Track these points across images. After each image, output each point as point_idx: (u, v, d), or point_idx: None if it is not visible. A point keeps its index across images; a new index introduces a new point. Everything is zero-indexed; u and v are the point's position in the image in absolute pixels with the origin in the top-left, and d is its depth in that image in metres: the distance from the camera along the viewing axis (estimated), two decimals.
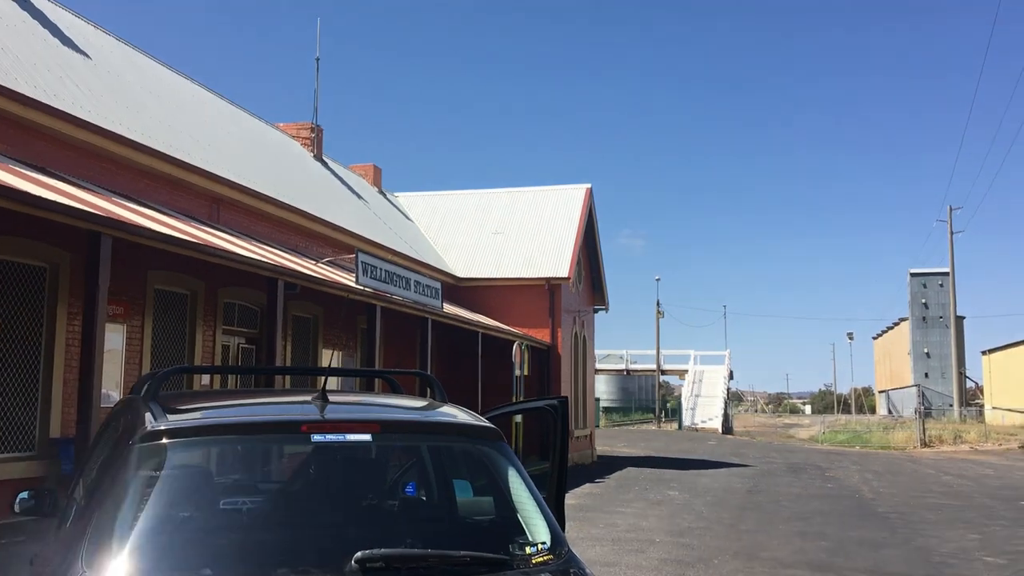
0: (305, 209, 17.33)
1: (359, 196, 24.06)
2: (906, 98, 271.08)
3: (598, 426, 43.24)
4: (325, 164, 23.75)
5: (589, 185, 29.15)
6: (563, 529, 4.39)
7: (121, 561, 2.69)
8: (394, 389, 4.69)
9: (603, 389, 71.94)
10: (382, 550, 2.84)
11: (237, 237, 13.79)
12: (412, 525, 3.35)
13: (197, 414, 3.49)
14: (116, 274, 12.39)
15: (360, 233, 19.72)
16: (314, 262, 15.59)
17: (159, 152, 13.51)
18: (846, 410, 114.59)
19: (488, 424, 3.61)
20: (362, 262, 14.36)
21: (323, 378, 3.63)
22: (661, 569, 10.10)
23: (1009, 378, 67.27)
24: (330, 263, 16.01)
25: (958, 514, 15.96)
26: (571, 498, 17.33)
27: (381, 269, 15.09)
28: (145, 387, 3.66)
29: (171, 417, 3.19)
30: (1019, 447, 40.14)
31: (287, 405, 3.90)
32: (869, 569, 10.42)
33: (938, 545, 12.32)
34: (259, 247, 13.55)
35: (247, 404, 4.05)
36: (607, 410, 70.65)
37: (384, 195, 28.06)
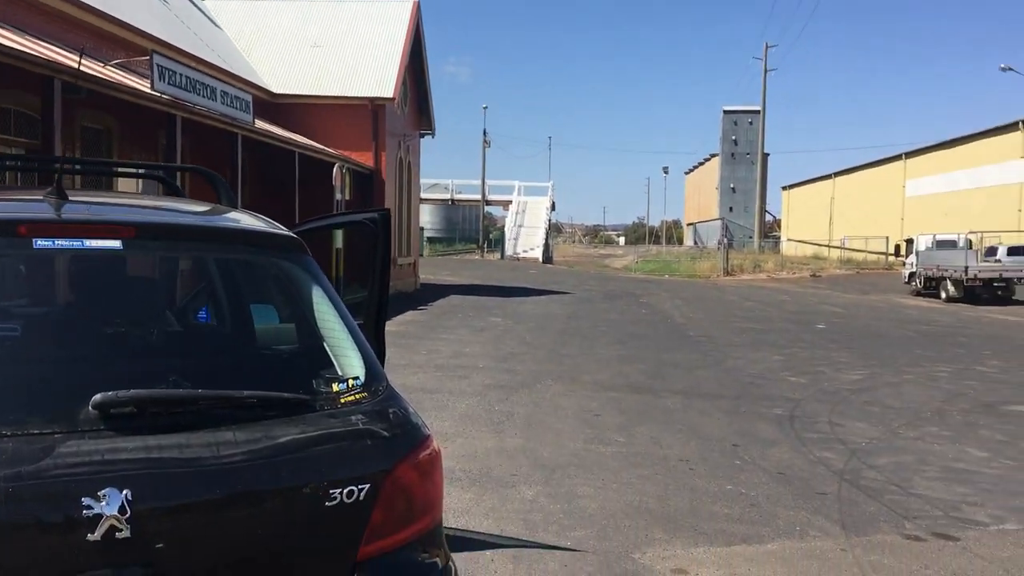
0: (88, 2, 15.07)
1: None
2: None
3: (422, 255, 42.99)
4: None
5: None
6: (383, 360, 3.80)
7: None
8: (174, 194, 3.79)
9: (428, 220, 71.67)
10: (130, 391, 2.12)
11: (3, 28, 11.75)
12: (184, 359, 2.57)
13: None
14: None
15: (159, 36, 17.54)
16: (103, 65, 13.69)
17: None
18: (657, 242, 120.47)
19: (285, 232, 2.86)
20: (158, 64, 12.69)
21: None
22: (485, 395, 9.93)
23: (804, 212, 72.29)
24: (121, 66, 14.12)
25: (762, 337, 16.86)
26: (392, 325, 16.98)
27: (181, 75, 13.45)
28: None
29: None
30: (810, 275, 43.45)
31: (8, 203, 2.95)
32: (685, 391, 10.70)
33: (746, 366, 12.89)
34: (30, 40, 11.62)
35: None
36: (432, 240, 70.75)
37: None
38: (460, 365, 12.14)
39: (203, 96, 14.20)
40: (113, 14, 16.03)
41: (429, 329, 16.70)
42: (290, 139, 19.51)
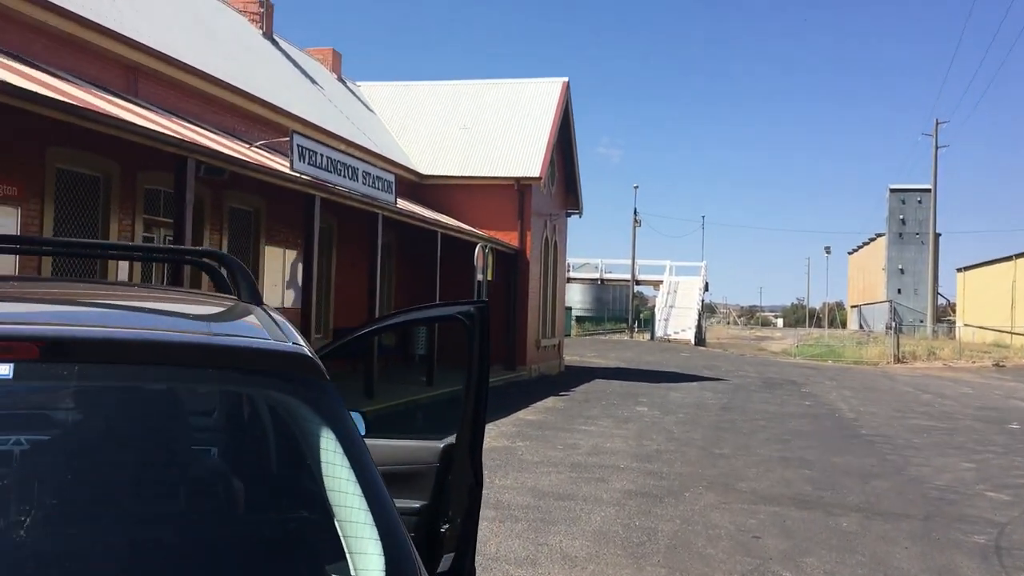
0: (242, 87, 15.36)
1: (313, 81, 21.98)
2: (899, 14, 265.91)
3: (569, 335, 42.15)
4: (276, 44, 21.58)
5: (566, 79, 27.14)
6: (480, 483, 2.86)
7: None
8: (219, 287, 2.89)
9: (577, 298, 71.22)
10: None
11: (151, 111, 11.93)
12: (102, 566, 1.64)
13: None
14: (6, 147, 10.65)
15: (308, 118, 17.79)
16: (248, 145, 13.78)
17: (60, 7, 11.58)
18: (818, 324, 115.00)
19: (289, 348, 1.91)
20: (298, 145, 12.55)
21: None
22: (624, 504, 8.76)
23: (982, 296, 66.95)
24: (266, 146, 14.18)
25: (946, 438, 14.84)
26: (531, 413, 16.05)
27: (322, 155, 13.30)
28: None
29: None
30: (993, 365, 39.57)
31: None
32: (861, 507, 9.16)
33: (932, 476, 11.12)
34: (170, 120, 11.70)
35: None
36: (580, 319, 70.05)
37: (344, 83, 25.92)
38: (599, 464, 11.01)
39: (344, 176, 14.03)
40: (263, 96, 16.33)
41: (569, 418, 15.64)
42: (433, 219, 19.26)
